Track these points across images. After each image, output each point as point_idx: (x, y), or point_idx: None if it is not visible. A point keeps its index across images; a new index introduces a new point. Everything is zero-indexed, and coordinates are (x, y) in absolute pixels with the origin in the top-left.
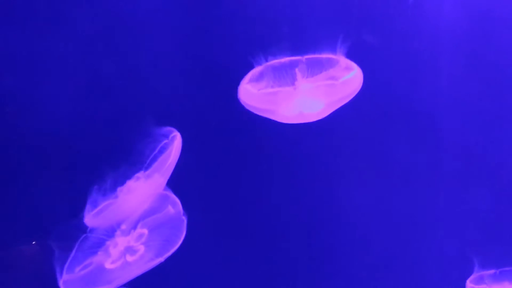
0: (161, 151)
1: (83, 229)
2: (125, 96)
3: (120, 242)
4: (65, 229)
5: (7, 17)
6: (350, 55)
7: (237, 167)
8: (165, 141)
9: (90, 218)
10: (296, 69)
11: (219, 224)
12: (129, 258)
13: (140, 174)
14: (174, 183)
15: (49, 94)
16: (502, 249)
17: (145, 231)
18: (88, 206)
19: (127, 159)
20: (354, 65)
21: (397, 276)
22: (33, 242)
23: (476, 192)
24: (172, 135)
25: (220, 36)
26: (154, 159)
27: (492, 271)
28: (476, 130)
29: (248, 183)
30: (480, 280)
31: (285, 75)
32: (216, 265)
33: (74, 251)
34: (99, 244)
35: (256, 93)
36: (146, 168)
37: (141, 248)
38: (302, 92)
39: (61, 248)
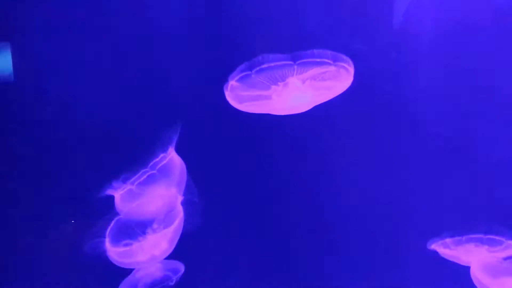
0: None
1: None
2: (147, 96)
3: (150, 238)
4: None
5: (52, 32)
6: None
7: (237, 160)
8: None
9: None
10: (289, 67)
11: (221, 212)
12: (156, 251)
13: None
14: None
15: (83, 94)
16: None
17: (170, 230)
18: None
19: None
20: (344, 64)
21: (383, 246)
22: (72, 221)
23: (451, 175)
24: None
25: (222, 36)
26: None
27: (457, 238)
28: (452, 123)
29: (253, 174)
30: (445, 245)
31: (278, 73)
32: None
33: (109, 237)
34: (133, 236)
35: (250, 90)
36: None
37: (165, 244)
38: (293, 88)
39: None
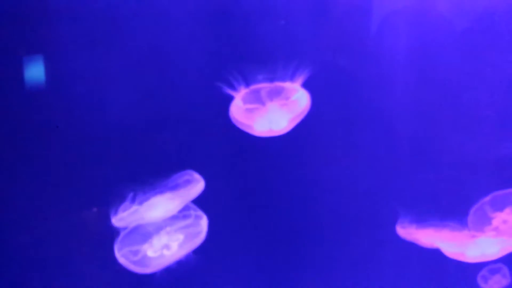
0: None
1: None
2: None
3: (162, 239)
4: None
5: (79, 40)
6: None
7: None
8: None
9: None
10: (265, 92)
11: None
12: (166, 252)
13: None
14: None
15: (108, 100)
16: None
17: (181, 236)
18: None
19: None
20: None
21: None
22: (94, 209)
23: (422, 171)
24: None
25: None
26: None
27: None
28: (422, 127)
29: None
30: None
31: (259, 97)
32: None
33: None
34: (147, 236)
35: (242, 110)
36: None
37: (175, 247)
38: (270, 111)
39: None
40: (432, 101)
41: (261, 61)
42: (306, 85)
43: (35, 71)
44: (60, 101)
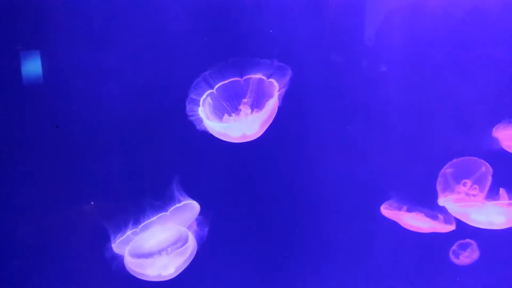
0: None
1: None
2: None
3: (163, 258)
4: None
5: (76, 38)
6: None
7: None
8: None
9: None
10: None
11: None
12: (164, 273)
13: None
14: None
15: (104, 94)
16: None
17: (180, 258)
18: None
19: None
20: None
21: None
22: (92, 203)
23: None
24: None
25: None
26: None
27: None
28: (412, 122)
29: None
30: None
31: (232, 102)
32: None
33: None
34: (149, 255)
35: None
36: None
37: (173, 269)
38: (244, 118)
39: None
40: (424, 96)
41: (254, 59)
42: (299, 83)
43: (32, 66)
44: (57, 96)
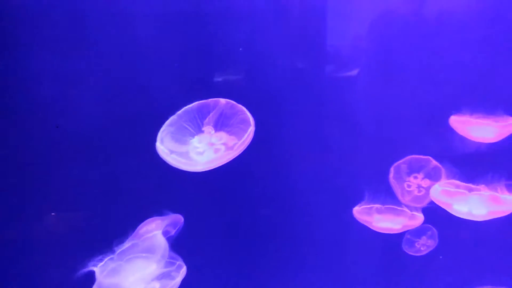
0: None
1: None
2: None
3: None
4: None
5: (47, 43)
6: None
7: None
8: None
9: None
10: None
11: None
12: None
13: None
14: None
15: (75, 100)
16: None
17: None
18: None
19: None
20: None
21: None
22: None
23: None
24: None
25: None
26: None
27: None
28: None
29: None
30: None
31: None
32: None
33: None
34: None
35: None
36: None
37: None
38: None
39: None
40: (394, 99)
41: (221, 65)
42: (272, 87)
43: None
44: (26, 101)
